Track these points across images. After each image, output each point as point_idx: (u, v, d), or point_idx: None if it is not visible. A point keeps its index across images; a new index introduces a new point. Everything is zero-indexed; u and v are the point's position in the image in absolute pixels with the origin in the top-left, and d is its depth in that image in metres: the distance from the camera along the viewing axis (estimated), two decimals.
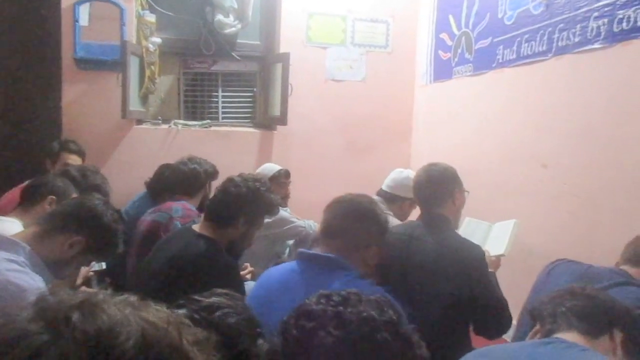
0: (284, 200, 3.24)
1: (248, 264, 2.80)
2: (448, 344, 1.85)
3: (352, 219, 1.49)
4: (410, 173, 2.60)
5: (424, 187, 2.00)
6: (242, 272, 2.70)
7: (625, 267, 1.59)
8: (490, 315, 1.87)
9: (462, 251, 1.84)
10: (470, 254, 1.84)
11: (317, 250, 1.48)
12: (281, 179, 3.21)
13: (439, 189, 1.97)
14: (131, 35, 3.57)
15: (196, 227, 1.93)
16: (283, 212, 3.11)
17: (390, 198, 2.57)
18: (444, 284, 1.83)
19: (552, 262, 1.71)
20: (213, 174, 2.91)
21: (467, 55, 3.38)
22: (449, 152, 3.60)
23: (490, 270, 2.13)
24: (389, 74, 4.10)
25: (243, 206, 1.90)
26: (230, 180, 2.00)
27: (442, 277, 1.83)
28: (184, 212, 2.51)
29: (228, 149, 3.82)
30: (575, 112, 2.43)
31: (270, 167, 3.26)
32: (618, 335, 1.13)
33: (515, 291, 2.68)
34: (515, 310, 2.69)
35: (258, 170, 3.24)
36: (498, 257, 2.19)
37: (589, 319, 1.11)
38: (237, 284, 1.71)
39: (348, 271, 1.40)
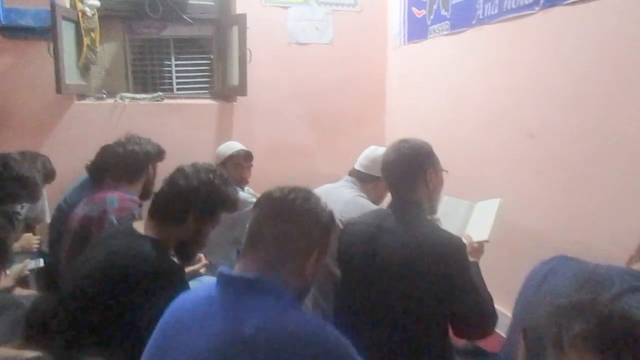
0: (240, 183, 2.92)
1: (202, 256, 2.51)
2: (424, 350, 1.61)
3: (285, 221, 1.17)
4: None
5: (393, 168, 1.70)
6: (194, 267, 2.43)
7: None
8: (471, 317, 1.61)
9: (439, 244, 1.56)
10: (448, 247, 1.56)
11: (241, 266, 1.16)
12: (239, 160, 2.88)
13: (409, 170, 1.67)
14: None
15: (139, 225, 1.64)
16: (241, 193, 2.80)
17: (363, 178, 2.27)
18: (417, 283, 1.55)
19: (546, 261, 1.42)
20: (156, 155, 2.54)
21: (443, 12, 3.04)
22: (426, 120, 3.29)
23: (471, 259, 1.86)
24: (358, 35, 3.73)
25: (194, 202, 1.61)
26: (179, 170, 1.68)
27: (416, 275, 1.55)
28: (120, 203, 2.17)
29: (183, 124, 3.46)
30: (566, 74, 2.12)
31: (230, 146, 2.92)
32: None
33: (500, 279, 2.42)
34: (500, 303, 2.48)
35: (219, 149, 2.89)
36: (481, 244, 1.92)
37: (606, 348, 0.84)
38: (181, 290, 1.41)
39: (277, 296, 1.09)
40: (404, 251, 1.57)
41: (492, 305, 1.68)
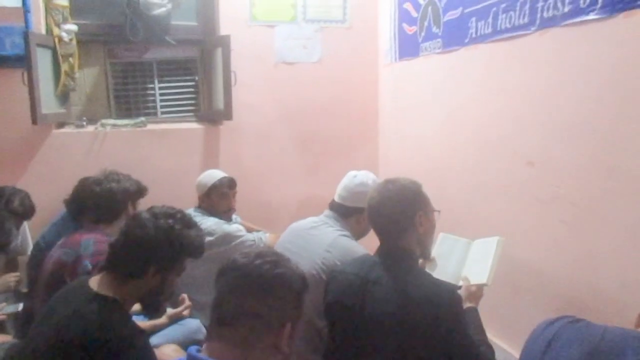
0: (228, 213, 2.79)
1: (185, 296, 2.38)
2: None
3: (252, 294, 1.04)
4: (366, 177, 2.12)
5: (379, 213, 1.57)
6: (177, 310, 2.30)
7: None
8: None
9: (430, 298, 1.43)
10: (441, 301, 1.43)
11: (208, 350, 1.02)
12: (224, 189, 2.74)
13: (396, 215, 1.54)
14: (39, 23, 3.00)
15: (95, 281, 1.49)
16: (226, 226, 2.67)
17: (344, 212, 2.10)
18: (408, 339, 1.43)
19: (550, 322, 1.27)
20: (136, 192, 2.42)
21: (434, 29, 2.91)
22: (420, 144, 3.15)
23: (469, 304, 1.73)
24: (348, 52, 3.60)
25: (153, 253, 1.47)
26: (135, 218, 1.55)
27: (406, 331, 1.42)
28: (97, 247, 2.04)
29: (168, 150, 3.32)
30: (567, 100, 1.98)
31: (211, 175, 2.79)
32: None
33: (502, 318, 2.30)
34: (503, 341, 2.33)
35: (199, 180, 2.77)
36: (480, 287, 1.79)
37: None
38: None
39: None
40: (393, 306, 1.44)
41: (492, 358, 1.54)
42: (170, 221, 1.52)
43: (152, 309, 1.61)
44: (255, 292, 1.04)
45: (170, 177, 3.20)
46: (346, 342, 1.56)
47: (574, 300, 1.97)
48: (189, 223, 1.58)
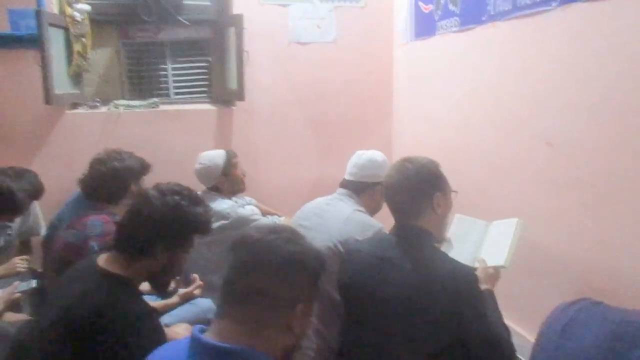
0: (241, 185, 2.75)
1: (197, 276, 2.37)
2: None
3: (264, 272, 0.99)
4: (374, 154, 2.15)
5: (396, 192, 1.53)
6: (188, 289, 2.29)
7: None
8: (487, 356, 1.45)
9: (449, 279, 1.40)
10: (460, 282, 1.40)
11: (216, 329, 0.99)
12: (237, 160, 2.71)
13: (414, 195, 1.50)
14: (51, 3, 2.99)
15: (103, 259, 1.48)
16: (241, 210, 2.65)
17: (357, 188, 2.10)
18: (426, 323, 1.40)
19: (567, 305, 1.23)
20: (140, 170, 2.39)
21: (451, 7, 2.83)
22: (435, 125, 3.09)
23: (485, 286, 1.70)
24: (363, 32, 3.53)
25: (161, 231, 1.45)
26: (142, 196, 1.53)
27: (424, 314, 1.39)
28: (103, 227, 2.04)
29: (181, 131, 3.30)
30: (588, 78, 1.90)
31: (214, 155, 2.70)
32: None
33: (520, 303, 2.25)
34: (521, 327, 2.29)
35: (208, 165, 2.68)
36: (496, 269, 1.75)
37: None
38: (150, 341, 1.26)
39: None
40: (410, 287, 1.41)
41: (509, 341, 1.51)
42: (177, 198, 1.50)
43: (160, 287, 1.60)
44: (268, 270, 0.99)
45: (183, 158, 3.18)
46: (362, 321, 1.54)
47: (593, 285, 1.92)
48: (196, 200, 1.55)
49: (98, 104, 3.28)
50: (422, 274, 1.41)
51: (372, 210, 2.12)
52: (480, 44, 2.58)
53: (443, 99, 2.98)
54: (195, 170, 2.66)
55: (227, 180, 2.69)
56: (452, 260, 1.48)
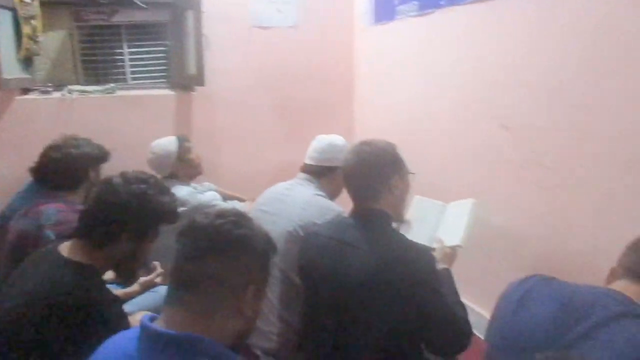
0: (198, 169, 2.71)
1: (158, 264, 2.33)
2: None
3: (212, 256, 0.98)
4: (334, 138, 2.17)
5: (354, 175, 1.55)
6: (149, 277, 2.25)
7: (624, 284, 1.18)
8: (445, 335, 1.49)
9: (407, 261, 1.42)
10: (416, 263, 1.43)
11: (166, 316, 0.98)
12: (186, 145, 2.67)
13: (372, 177, 1.52)
14: None
15: (66, 247, 1.44)
16: (200, 196, 2.61)
17: (316, 171, 2.11)
18: (384, 304, 1.42)
19: (521, 281, 1.28)
20: (98, 157, 2.32)
21: None
22: (396, 110, 3.12)
23: (443, 266, 1.74)
24: (324, 17, 3.51)
25: (126, 219, 1.43)
26: (106, 183, 1.49)
27: (382, 295, 1.41)
28: (59, 216, 1.97)
29: (139, 117, 3.23)
30: (542, 62, 1.95)
31: (166, 143, 2.65)
32: None
33: (477, 282, 2.32)
34: (478, 305, 2.36)
35: (161, 153, 2.63)
36: (453, 249, 1.79)
37: None
38: (116, 328, 1.24)
39: (210, 357, 0.92)
40: (368, 268, 1.43)
41: (465, 319, 1.56)
42: (143, 186, 1.47)
43: (125, 276, 1.58)
44: (216, 254, 0.99)
45: (141, 146, 3.10)
46: (321, 303, 1.55)
47: (548, 263, 1.99)
48: (162, 189, 1.53)
49: (51, 89, 3.16)
50: (380, 256, 1.43)
51: (333, 194, 2.13)
52: (438, 28, 2.61)
53: (403, 83, 3.01)
54: (148, 160, 2.60)
55: (183, 165, 2.65)
56: (409, 241, 1.51)
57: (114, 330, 1.13)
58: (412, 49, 2.88)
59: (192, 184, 2.72)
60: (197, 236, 1.01)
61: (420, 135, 2.80)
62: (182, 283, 0.98)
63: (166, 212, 1.51)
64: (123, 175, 1.49)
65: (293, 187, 2.11)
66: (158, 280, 2.27)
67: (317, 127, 3.41)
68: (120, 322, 1.37)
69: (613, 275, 1.26)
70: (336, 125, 3.49)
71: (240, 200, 2.93)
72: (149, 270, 2.30)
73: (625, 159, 1.68)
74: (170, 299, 0.99)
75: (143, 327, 0.95)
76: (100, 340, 1.07)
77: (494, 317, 1.30)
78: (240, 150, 3.47)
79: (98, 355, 1.00)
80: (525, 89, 2.05)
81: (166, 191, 1.54)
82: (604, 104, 1.73)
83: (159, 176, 2.59)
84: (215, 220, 1.02)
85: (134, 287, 2.21)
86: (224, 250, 0.99)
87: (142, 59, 3.44)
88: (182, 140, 2.66)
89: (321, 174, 2.10)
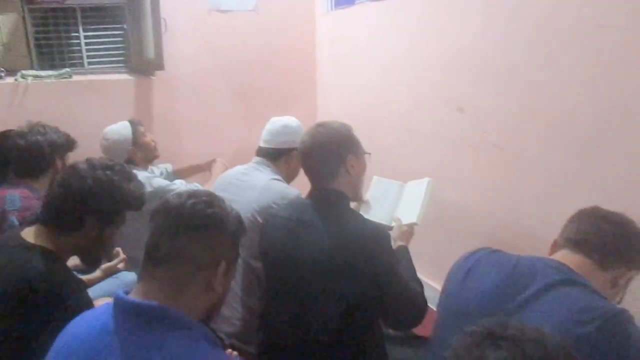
0: (155, 152, 2.68)
1: (120, 250, 2.32)
2: (354, 344, 1.53)
3: (185, 234, 1.02)
4: (288, 119, 2.17)
5: (310, 156, 1.58)
6: (111, 263, 2.24)
7: (564, 254, 1.26)
8: (401, 310, 1.55)
9: (363, 239, 1.47)
10: (373, 241, 1.47)
11: (140, 290, 1.01)
12: (140, 129, 2.62)
13: (327, 158, 1.55)
14: None
15: (29, 233, 1.43)
16: (157, 180, 2.59)
17: (272, 154, 2.12)
18: (343, 282, 1.46)
19: (470, 253, 1.35)
20: (65, 145, 2.29)
21: None
22: (357, 94, 3.16)
23: (401, 243, 1.80)
24: (284, 0, 3.51)
25: (91, 205, 1.43)
26: (72, 168, 1.48)
27: (341, 273, 1.46)
28: (22, 202, 1.96)
29: (97, 103, 3.17)
30: (494, 45, 2.03)
31: (120, 127, 2.59)
32: None
33: (435, 259, 2.40)
34: (436, 282, 2.45)
35: (116, 138, 2.59)
36: (410, 227, 1.85)
37: None
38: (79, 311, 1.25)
39: (184, 328, 0.96)
40: (325, 248, 1.47)
41: (421, 294, 1.62)
42: (108, 172, 1.47)
43: (90, 262, 1.59)
44: (188, 232, 1.02)
45: (100, 132, 3.06)
46: (282, 285, 1.59)
47: (499, 239, 2.08)
48: (128, 175, 1.54)
49: (3, 75, 3.06)
50: (336, 234, 1.47)
51: (289, 177, 2.14)
52: (396, 13, 2.66)
53: (364, 67, 3.05)
54: (102, 147, 2.54)
55: (139, 150, 2.62)
56: (365, 220, 1.56)
57: (79, 310, 1.14)
58: (372, 34, 2.92)
59: (150, 168, 2.70)
60: (171, 215, 1.04)
61: (381, 119, 2.86)
62: (155, 259, 1.01)
63: (132, 198, 1.52)
64: (89, 161, 1.50)
65: (249, 172, 2.11)
66: (120, 266, 2.26)
67: (278, 111, 3.39)
68: (88, 307, 1.38)
69: (555, 247, 1.34)
70: (298, 109, 3.51)
71: (199, 168, 2.94)
72: (111, 257, 2.30)
73: (572, 137, 1.77)
74: (143, 274, 1.02)
75: (117, 299, 0.98)
76: (67, 321, 1.08)
77: (443, 291, 1.36)
78: (201, 135, 3.45)
79: (70, 332, 1.02)
80: (478, 72, 2.12)
81: (132, 177, 1.55)
82: (551, 85, 1.81)
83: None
84: (188, 200, 1.06)
85: (97, 274, 2.19)
86: (196, 229, 1.03)
87: (99, 43, 3.37)
88: (135, 124, 2.62)
89: (277, 156, 2.11)
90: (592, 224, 1.29)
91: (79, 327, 1.02)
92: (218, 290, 1.05)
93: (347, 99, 3.32)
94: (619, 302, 1.30)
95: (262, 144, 2.16)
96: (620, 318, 1.10)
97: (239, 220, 1.13)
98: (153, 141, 2.69)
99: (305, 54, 3.63)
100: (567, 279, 1.17)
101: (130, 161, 2.59)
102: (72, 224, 1.43)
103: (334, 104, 3.52)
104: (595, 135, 1.68)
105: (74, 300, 1.33)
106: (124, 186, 1.49)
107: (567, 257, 1.26)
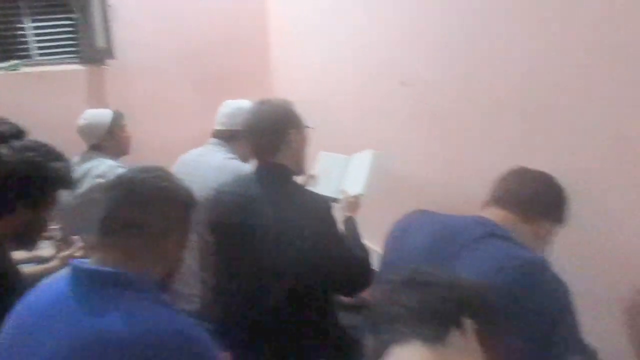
0: (125, 149, 2.69)
1: (78, 238, 2.32)
2: (306, 314, 1.60)
3: (138, 205, 1.08)
4: (241, 102, 2.24)
5: (253, 132, 1.63)
6: (69, 251, 2.25)
7: (491, 211, 1.34)
8: (347, 275, 1.62)
9: (305, 209, 1.53)
10: (315, 211, 1.54)
11: (96, 258, 1.05)
12: (121, 122, 2.62)
13: (269, 132, 1.60)
14: None
15: None
16: (120, 170, 2.59)
17: (227, 137, 2.18)
18: (289, 252, 1.52)
19: (407, 215, 1.42)
20: (14, 134, 2.27)
21: None
22: (309, 74, 3.20)
23: (347, 214, 1.86)
24: None
25: (17, 188, 1.44)
26: None
27: (287, 245, 1.51)
28: None
29: (48, 95, 3.13)
30: (432, 21, 2.11)
31: (98, 114, 2.61)
32: (469, 326, 0.86)
33: (377, 227, 2.45)
34: (378, 251, 2.50)
35: (89, 122, 2.58)
36: (357, 198, 1.92)
37: (428, 319, 0.82)
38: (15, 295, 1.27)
39: (140, 291, 1.01)
40: (269, 221, 1.52)
41: (366, 260, 1.69)
42: (31, 154, 1.48)
43: (26, 245, 1.60)
44: (140, 203, 1.07)
45: (52, 124, 3.02)
46: (231, 258, 1.63)
47: (445, 204, 2.16)
48: (54, 154, 1.54)
49: None
50: (280, 207, 1.53)
51: (245, 157, 2.17)
52: None
53: (314, 47, 3.09)
54: (78, 126, 2.54)
55: (112, 139, 2.61)
56: (307, 191, 1.62)
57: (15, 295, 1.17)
58: (323, 12, 2.94)
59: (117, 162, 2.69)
60: (123, 188, 1.10)
61: (333, 97, 2.91)
62: (109, 230, 1.06)
63: (60, 178, 1.53)
64: (10, 145, 1.50)
65: (205, 153, 2.16)
66: (78, 254, 2.27)
67: (234, 94, 3.40)
68: (22, 289, 1.40)
69: (484, 205, 1.42)
70: (254, 92, 3.49)
71: None
72: (69, 244, 2.30)
73: (512, 105, 1.84)
74: (98, 242, 1.07)
75: (74, 267, 1.02)
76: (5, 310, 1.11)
77: (383, 252, 1.44)
78: (158, 123, 3.43)
79: (24, 302, 1.06)
80: (419, 47, 2.19)
81: (59, 157, 1.55)
82: (489, 56, 1.89)
83: (85, 144, 2.57)
84: (140, 174, 1.11)
85: (54, 262, 2.19)
86: (148, 200, 1.08)
87: (48, 34, 3.31)
88: (118, 115, 2.62)
89: (231, 137, 2.16)
90: (515, 181, 1.38)
91: (33, 296, 1.06)
92: (170, 259, 1.12)
93: (300, 80, 3.35)
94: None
95: (216, 127, 2.22)
96: (537, 264, 1.18)
97: (188, 193, 1.18)
98: (128, 139, 2.68)
99: (259, 35, 3.62)
100: (493, 232, 1.25)
101: (98, 147, 2.58)
102: (3, 208, 1.44)
103: (289, 85, 3.54)
104: (529, 105, 1.76)
105: (18, 283, 1.36)
106: (50, 166, 1.50)
107: (493, 213, 1.34)
